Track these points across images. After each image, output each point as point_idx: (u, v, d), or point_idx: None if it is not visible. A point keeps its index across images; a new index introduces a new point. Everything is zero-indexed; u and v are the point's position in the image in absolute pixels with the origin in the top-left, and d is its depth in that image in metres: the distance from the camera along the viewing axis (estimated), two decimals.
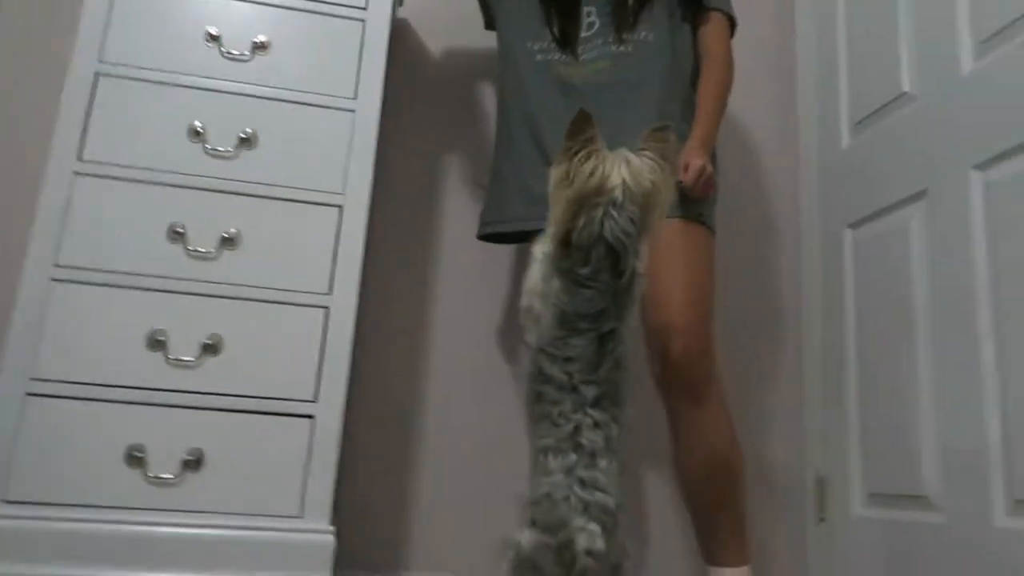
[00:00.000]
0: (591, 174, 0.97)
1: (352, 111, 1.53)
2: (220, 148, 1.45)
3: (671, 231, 1.42)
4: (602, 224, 0.96)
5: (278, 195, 1.46)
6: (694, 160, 1.43)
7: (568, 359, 0.98)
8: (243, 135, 1.46)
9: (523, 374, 1.07)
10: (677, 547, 1.87)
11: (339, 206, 1.48)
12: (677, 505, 1.49)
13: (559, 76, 1.57)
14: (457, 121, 2.03)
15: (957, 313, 1.52)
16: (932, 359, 1.58)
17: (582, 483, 0.92)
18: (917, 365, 1.61)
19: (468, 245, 1.87)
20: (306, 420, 1.38)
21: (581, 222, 0.97)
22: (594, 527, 0.89)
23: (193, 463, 1.32)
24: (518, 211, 1.57)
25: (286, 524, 1.33)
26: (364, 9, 1.58)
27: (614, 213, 0.96)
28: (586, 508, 0.90)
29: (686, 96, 1.57)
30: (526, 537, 0.93)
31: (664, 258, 1.40)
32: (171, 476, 1.31)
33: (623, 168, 0.98)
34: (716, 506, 1.43)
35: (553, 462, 0.95)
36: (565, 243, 1.00)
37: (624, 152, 1.01)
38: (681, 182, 1.40)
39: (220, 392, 1.36)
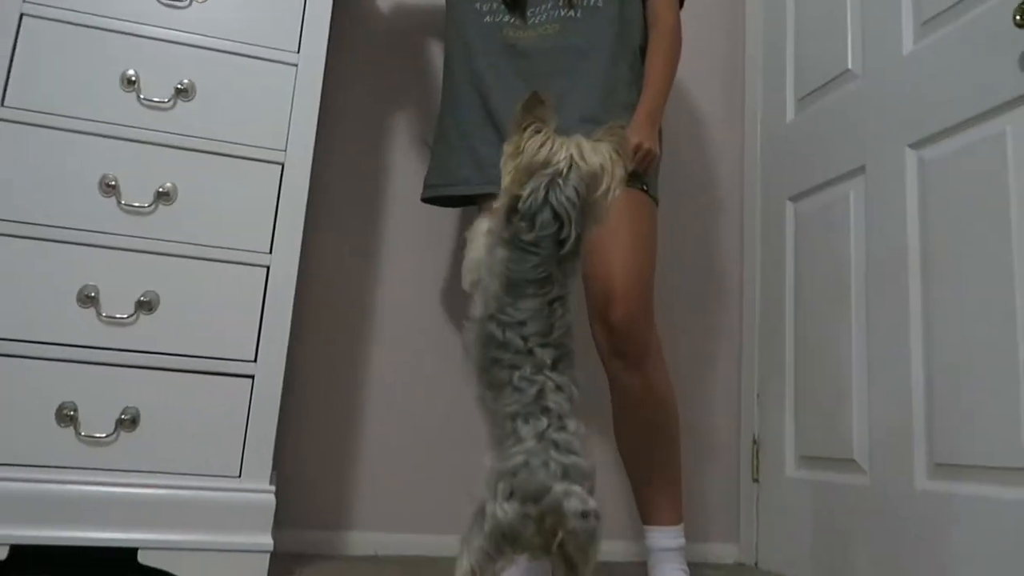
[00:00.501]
0: (540, 146, 1.00)
1: (295, 65, 1.48)
2: (155, 99, 1.39)
3: (614, 200, 1.42)
4: (547, 191, 0.99)
5: (217, 150, 1.41)
6: (633, 137, 1.43)
7: (522, 323, 0.98)
8: (180, 86, 1.41)
9: (468, 343, 1.05)
10: (616, 506, 1.91)
11: (280, 163, 1.44)
12: (616, 466, 1.53)
13: (507, 38, 1.55)
14: (404, 78, 1.99)
15: (889, 285, 1.57)
16: (864, 328, 1.64)
17: (556, 446, 0.91)
18: (850, 334, 1.67)
19: (414, 204, 1.85)
20: (246, 380, 1.35)
21: (528, 190, 1.00)
22: (578, 489, 0.87)
23: (128, 422, 1.29)
24: (464, 174, 1.56)
25: (225, 484, 1.31)
26: None
27: (560, 182, 0.99)
28: (566, 472, 0.89)
29: (633, 63, 1.57)
30: (504, 509, 0.87)
31: (606, 226, 1.41)
32: (104, 435, 1.28)
33: (572, 146, 1.01)
34: (653, 468, 1.46)
35: (524, 428, 0.93)
36: (511, 211, 1.02)
37: (577, 136, 1.03)
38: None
39: (156, 351, 1.32)
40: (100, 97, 1.37)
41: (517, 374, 0.96)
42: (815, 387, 1.78)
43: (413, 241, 1.91)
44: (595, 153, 1.02)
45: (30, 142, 1.33)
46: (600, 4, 1.54)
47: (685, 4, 1.66)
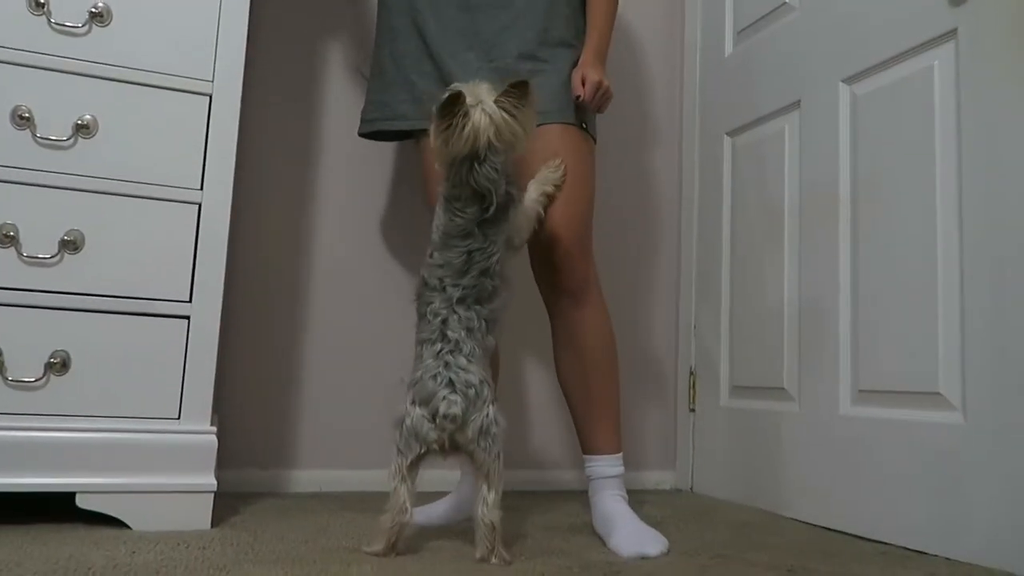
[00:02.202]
0: (461, 140, 1.17)
1: None
2: (68, 23, 1.31)
3: (552, 137, 1.42)
4: (469, 174, 1.19)
5: (139, 80, 1.34)
6: (591, 75, 1.44)
7: (440, 266, 1.20)
8: (94, 9, 1.32)
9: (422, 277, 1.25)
10: (557, 435, 1.96)
11: (208, 95, 1.38)
12: (558, 397, 1.56)
13: None
14: (337, 4, 1.91)
15: (820, 219, 1.62)
16: (797, 260, 1.69)
17: (447, 365, 1.15)
18: (783, 266, 1.72)
19: (349, 137, 1.80)
20: (182, 321, 1.32)
21: (452, 176, 1.21)
22: (454, 397, 1.12)
23: (58, 365, 1.24)
24: (402, 109, 1.52)
25: (164, 426, 1.29)
26: None
27: (477, 167, 1.18)
28: (450, 383, 1.14)
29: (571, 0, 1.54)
30: (408, 411, 1.14)
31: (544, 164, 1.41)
32: (34, 379, 1.23)
33: (486, 124, 1.17)
34: (592, 399, 1.49)
35: (426, 350, 1.17)
36: (446, 178, 1.24)
37: (488, 106, 1.18)
38: (579, 96, 1.43)
39: (83, 292, 1.27)
40: (8, 21, 1.28)
41: (430, 308, 1.19)
42: (749, 318, 1.84)
43: (349, 175, 1.87)
44: (503, 128, 1.18)
45: None
46: None
47: None
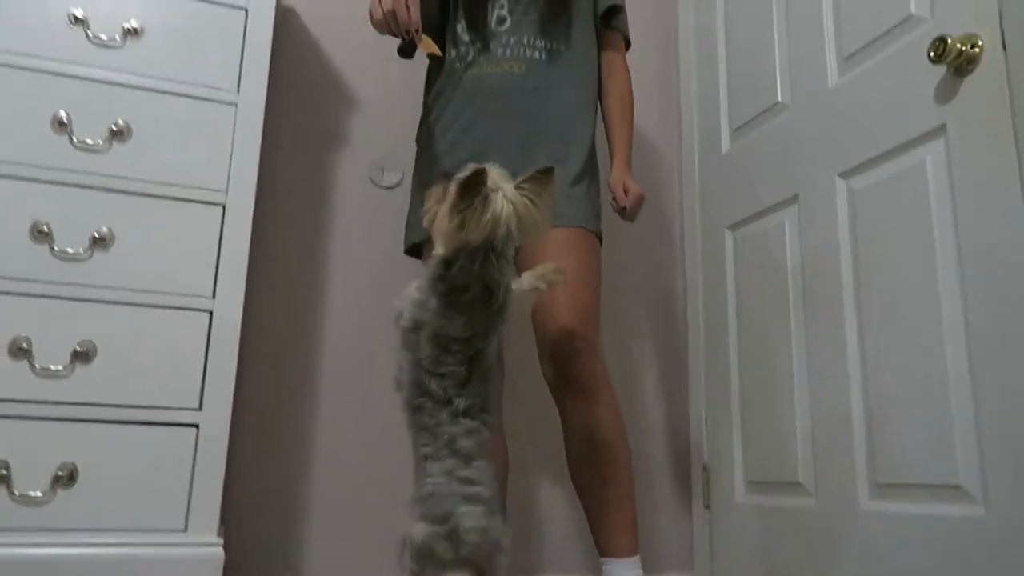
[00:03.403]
0: (479, 226, 1.04)
1: (234, 104, 1.46)
2: (89, 140, 1.36)
3: (559, 239, 1.45)
4: (480, 268, 1.07)
5: (155, 192, 1.38)
6: (633, 187, 1.58)
7: (442, 375, 1.09)
8: (114, 127, 1.37)
9: (400, 381, 1.15)
10: (572, 539, 1.91)
11: (222, 204, 1.42)
12: (572, 499, 1.53)
13: (473, 75, 1.58)
14: (346, 115, 1.98)
15: (825, 311, 1.63)
16: (804, 353, 1.69)
17: (460, 481, 1.05)
18: (791, 359, 1.72)
19: (359, 245, 1.84)
20: (190, 429, 1.31)
21: (461, 263, 1.07)
22: (474, 509, 1.04)
23: (65, 478, 1.23)
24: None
25: (171, 539, 1.26)
26: None
27: (493, 259, 1.07)
28: (466, 499, 1.04)
29: (590, 98, 1.66)
30: (418, 530, 1.04)
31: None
32: (40, 494, 1.22)
33: (508, 212, 1.06)
34: (607, 498, 1.46)
35: (434, 467, 1.07)
36: (446, 267, 1.09)
37: (510, 191, 1.08)
38: (624, 208, 1.57)
39: (93, 402, 1.27)
40: (31, 139, 1.33)
41: (434, 421, 1.08)
42: (761, 411, 1.82)
43: (359, 280, 1.89)
44: (525, 219, 1.08)
45: None
46: (563, 48, 1.60)
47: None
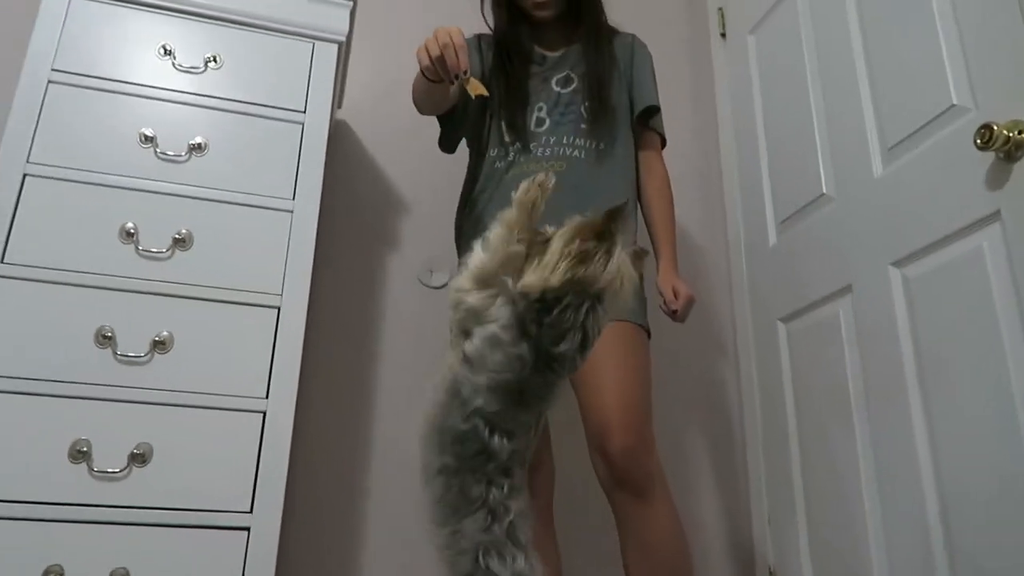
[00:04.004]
0: (601, 272, 0.90)
1: (290, 212, 1.52)
2: (153, 249, 1.42)
3: (607, 334, 1.44)
4: (586, 315, 0.90)
5: (213, 296, 1.42)
6: (683, 288, 1.59)
7: (510, 434, 0.88)
8: (177, 236, 1.43)
9: (443, 428, 0.91)
10: None
11: (277, 307, 1.45)
12: None
13: (516, 176, 1.62)
14: (394, 218, 2.04)
15: (890, 404, 1.57)
16: (871, 450, 1.61)
17: None
18: (856, 456, 1.65)
19: (408, 344, 1.85)
20: (241, 532, 1.30)
21: (566, 302, 0.89)
22: None
23: None
24: None
25: None
26: (303, 112, 1.60)
27: (599, 308, 0.91)
28: None
29: (634, 200, 1.69)
30: None
31: (601, 360, 1.42)
32: None
33: (626, 271, 0.94)
34: None
35: (498, 566, 0.85)
36: (542, 305, 0.90)
37: (623, 254, 0.94)
38: (675, 311, 1.58)
39: (149, 505, 1.27)
40: (100, 249, 1.39)
41: (494, 493, 0.86)
42: (827, 509, 1.73)
43: (410, 380, 1.90)
44: (631, 277, 0.95)
45: (30, 296, 1.33)
46: (603, 147, 1.63)
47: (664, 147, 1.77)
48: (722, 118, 2.35)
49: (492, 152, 1.68)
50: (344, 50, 1.73)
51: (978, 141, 1.36)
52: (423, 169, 2.05)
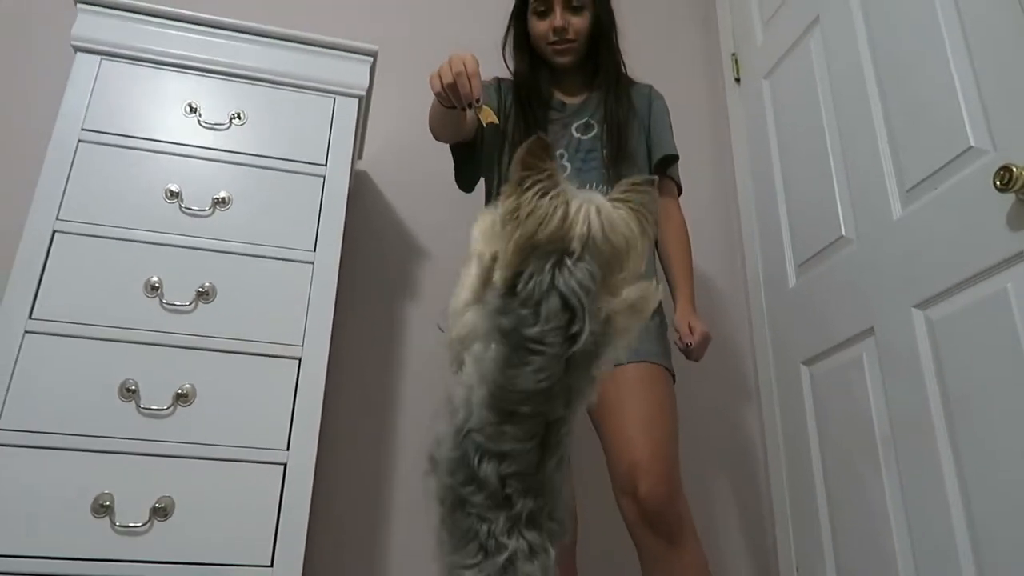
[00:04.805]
0: (549, 215, 0.79)
1: (311, 263, 1.54)
2: (177, 302, 1.44)
3: (631, 375, 1.44)
4: (554, 274, 0.78)
5: (235, 348, 1.44)
6: (699, 326, 1.59)
7: (502, 455, 0.77)
8: (200, 288, 1.46)
9: (437, 459, 0.84)
10: None
11: (298, 358, 1.46)
12: None
13: None
14: (413, 266, 2.06)
15: (918, 447, 1.54)
16: (899, 489, 1.58)
17: None
18: (884, 495, 1.61)
19: (428, 392, 1.85)
20: None
21: (529, 270, 0.78)
22: None
23: None
24: None
25: None
26: (324, 165, 1.62)
27: (569, 263, 0.78)
28: None
29: (653, 250, 1.70)
30: None
31: (626, 401, 1.42)
32: None
33: (592, 214, 0.81)
34: None
35: None
36: (510, 292, 0.80)
37: (595, 196, 0.84)
38: (689, 344, 1.57)
39: (171, 560, 1.27)
40: (125, 303, 1.41)
41: (486, 528, 0.76)
42: (856, 557, 1.69)
43: (426, 429, 1.89)
44: (619, 222, 0.83)
45: (57, 351, 1.35)
46: None
47: (681, 194, 1.78)
48: (739, 162, 2.36)
49: None
50: (364, 103, 1.76)
51: (997, 183, 1.35)
52: (442, 218, 2.07)
